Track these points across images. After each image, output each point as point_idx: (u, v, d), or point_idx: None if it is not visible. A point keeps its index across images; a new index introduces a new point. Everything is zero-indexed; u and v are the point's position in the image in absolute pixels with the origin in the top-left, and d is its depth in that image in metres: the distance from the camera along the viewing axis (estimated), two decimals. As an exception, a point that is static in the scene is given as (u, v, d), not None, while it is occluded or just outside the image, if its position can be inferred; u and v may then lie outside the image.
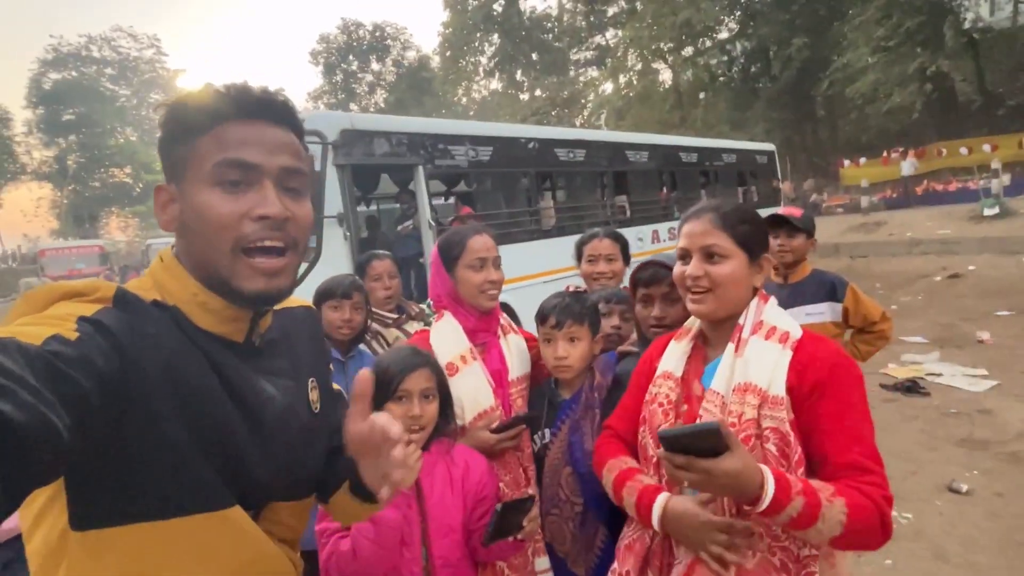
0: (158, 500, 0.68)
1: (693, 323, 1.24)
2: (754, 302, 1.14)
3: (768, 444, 1.01)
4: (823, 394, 1.03)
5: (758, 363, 1.06)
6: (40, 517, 0.69)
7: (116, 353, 0.62)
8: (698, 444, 0.90)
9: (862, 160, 20.15)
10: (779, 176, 12.25)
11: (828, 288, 2.40)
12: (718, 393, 1.09)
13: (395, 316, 2.45)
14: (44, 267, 19.90)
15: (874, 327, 2.42)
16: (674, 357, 1.22)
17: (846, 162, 20.32)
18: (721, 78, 25.94)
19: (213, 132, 0.71)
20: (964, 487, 3.23)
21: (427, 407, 1.31)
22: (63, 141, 34.97)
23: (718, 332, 1.18)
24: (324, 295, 1.99)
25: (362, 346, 2.15)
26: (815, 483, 0.96)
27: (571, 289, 2.19)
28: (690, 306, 1.15)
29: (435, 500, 1.29)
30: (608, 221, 7.80)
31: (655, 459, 1.15)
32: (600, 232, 2.15)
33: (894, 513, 2.95)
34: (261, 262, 0.73)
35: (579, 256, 2.17)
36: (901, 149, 18.79)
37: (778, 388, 1.04)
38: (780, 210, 2.48)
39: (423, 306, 3.02)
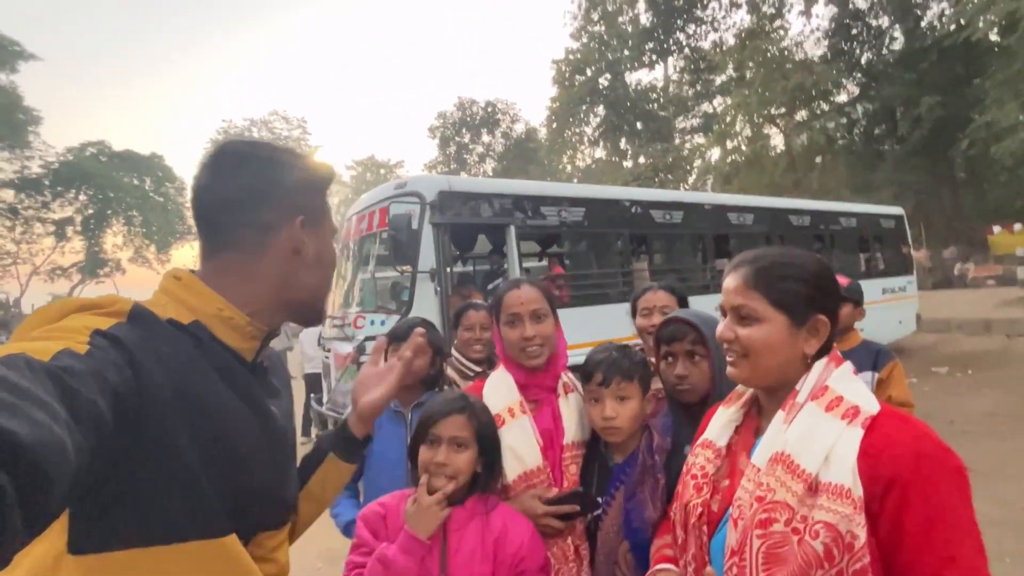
0: (161, 525, 0.67)
1: (746, 388, 1.08)
2: (819, 364, 0.95)
3: (815, 541, 0.80)
4: (906, 497, 0.80)
5: (806, 437, 0.87)
6: (33, 541, 0.66)
7: (130, 369, 0.62)
8: None
9: (1017, 226, 17.69)
10: (909, 242, 11.04)
11: (873, 358, 2.34)
12: (756, 467, 0.91)
13: (478, 370, 2.37)
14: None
15: None
16: (718, 425, 1.06)
17: (996, 228, 17.94)
18: (840, 141, 24.50)
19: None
20: None
21: (455, 456, 1.24)
22: (222, 208, 40.72)
23: (771, 399, 1.00)
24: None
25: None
26: None
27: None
28: (728, 370, 1.01)
29: (461, 560, 1.19)
30: (708, 285, 7.42)
31: (680, 540, 1.01)
32: (655, 285, 2.03)
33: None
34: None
35: (634, 311, 2.05)
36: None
37: (841, 475, 0.82)
38: None
39: None
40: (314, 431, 6.70)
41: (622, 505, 1.35)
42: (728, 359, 1.01)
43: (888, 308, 9.50)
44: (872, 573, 0.79)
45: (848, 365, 0.97)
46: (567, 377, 1.54)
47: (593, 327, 5.50)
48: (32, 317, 0.65)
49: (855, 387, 0.93)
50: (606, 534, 1.35)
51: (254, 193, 0.80)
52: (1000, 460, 4.76)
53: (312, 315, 0.90)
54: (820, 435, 0.86)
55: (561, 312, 1.57)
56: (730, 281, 1.01)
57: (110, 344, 0.61)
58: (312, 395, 6.81)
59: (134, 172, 28.82)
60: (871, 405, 0.89)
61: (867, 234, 10.15)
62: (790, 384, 0.96)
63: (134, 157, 28.45)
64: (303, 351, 7.57)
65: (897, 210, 11.21)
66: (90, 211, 27.12)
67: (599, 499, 1.39)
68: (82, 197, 26.84)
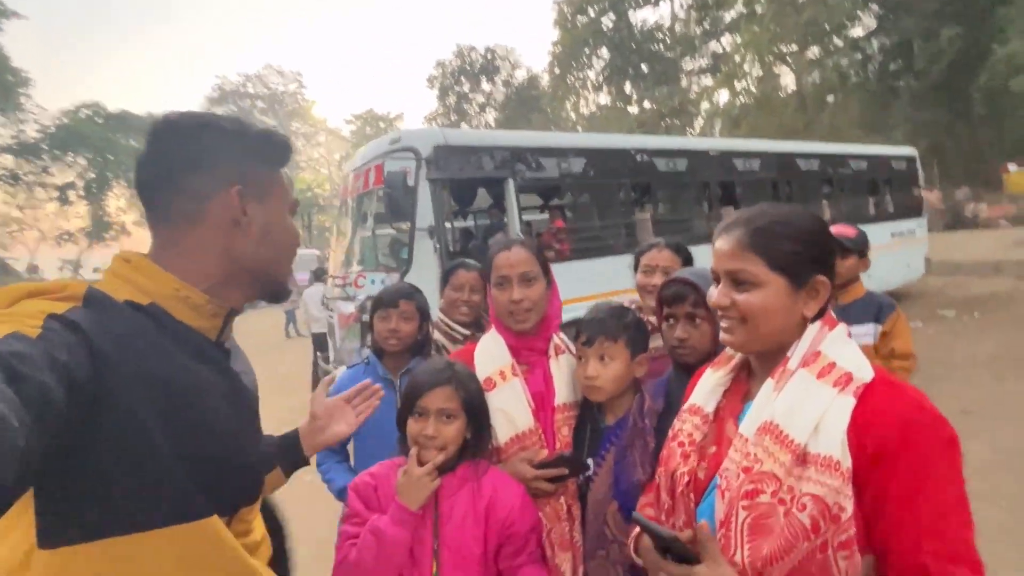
0: (135, 511, 0.66)
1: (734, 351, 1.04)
2: (812, 327, 0.91)
3: (801, 513, 0.78)
4: (893, 467, 0.78)
5: (795, 405, 0.84)
6: (0, 537, 0.66)
7: (87, 353, 0.60)
8: (669, 544, 0.84)
9: (1034, 164, 17.24)
10: (921, 184, 10.76)
11: (876, 309, 2.32)
12: (744, 437, 0.88)
13: (466, 333, 2.29)
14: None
15: (894, 361, 2.27)
16: (705, 389, 1.03)
17: (1012, 167, 17.46)
18: (854, 78, 23.56)
19: (282, 170, 0.87)
20: None
21: (444, 427, 1.23)
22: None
23: (764, 363, 0.96)
24: (374, 305, 1.94)
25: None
26: None
27: (627, 304, 2.02)
28: (721, 336, 0.97)
29: (453, 526, 1.20)
30: (712, 234, 7.32)
31: (667, 505, 0.99)
32: (661, 242, 1.98)
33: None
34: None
35: (636, 266, 2.01)
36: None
37: (830, 446, 0.80)
38: (831, 229, 2.31)
39: None
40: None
41: (612, 467, 1.35)
42: (723, 325, 0.96)
43: (897, 252, 9.37)
44: (856, 544, 0.78)
45: (842, 328, 0.93)
46: (558, 339, 1.52)
47: (595, 280, 5.46)
48: None
49: (848, 351, 0.89)
50: (596, 495, 1.36)
51: (184, 160, 0.78)
52: (1000, 403, 4.78)
53: (273, 291, 0.88)
54: (810, 404, 0.83)
55: (563, 266, 1.54)
56: (723, 243, 0.95)
57: (64, 328, 0.60)
58: (319, 353, 6.92)
59: (131, 134, 28.45)
60: (864, 371, 0.85)
61: (878, 176, 9.89)
62: (784, 348, 0.92)
63: (130, 118, 28.02)
64: (308, 311, 7.64)
65: (909, 151, 10.88)
66: (91, 175, 26.99)
67: (589, 460, 1.39)
68: (81, 161, 26.65)
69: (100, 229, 27.93)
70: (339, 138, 49.90)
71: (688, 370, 1.41)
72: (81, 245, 27.96)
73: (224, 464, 0.74)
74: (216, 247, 0.80)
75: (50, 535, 0.64)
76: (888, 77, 22.69)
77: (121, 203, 32.72)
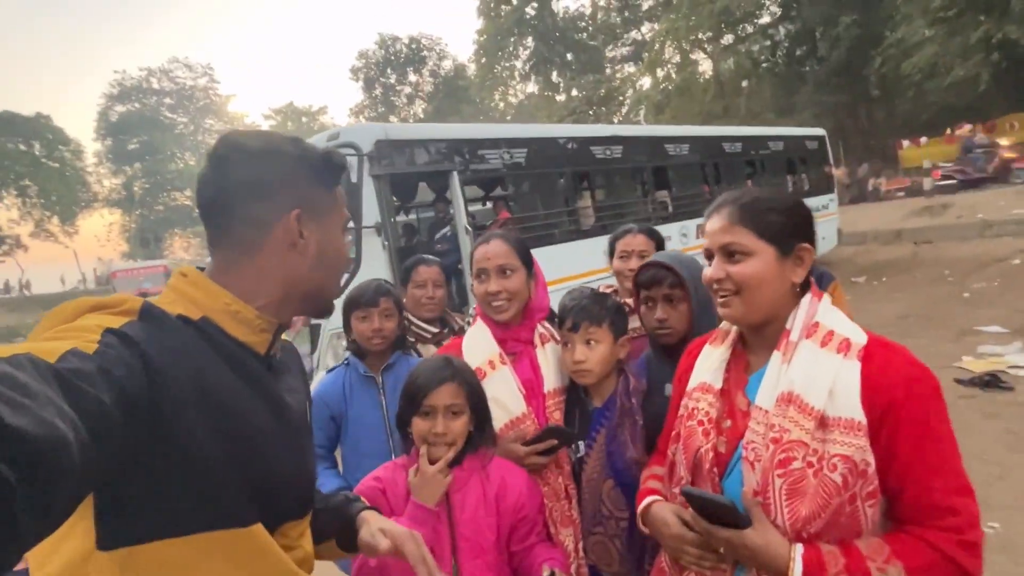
0: (188, 516, 0.69)
1: (731, 325, 1.11)
2: (805, 300, 0.99)
3: (833, 473, 0.86)
4: (899, 418, 0.87)
5: (810, 375, 0.92)
6: (60, 541, 0.69)
7: (141, 365, 0.63)
8: (720, 512, 0.90)
9: (923, 140, 18.96)
10: (831, 162, 11.63)
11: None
12: (763, 410, 0.95)
13: (435, 331, 2.29)
14: (116, 288, 21.23)
15: None
16: (711, 366, 1.09)
17: (905, 143, 19.16)
18: (764, 64, 24.97)
19: (338, 189, 0.87)
20: (1059, 492, 2.92)
21: (452, 423, 1.25)
22: (129, 169, 37.25)
23: (760, 336, 1.03)
24: (350, 305, 1.88)
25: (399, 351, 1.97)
26: (866, 547, 0.85)
27: (603, 290, 2.10)
28: (719, 311, 1.04)
29: (466, 517, 1.23)
30: (649, 217, 7.61)
31: (685, 480, 1.05)
32: (635, 228, 2.06)
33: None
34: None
35: (611, 252, 2.08)
36: (968, 125, 17.57)
37: (850, 409, 0.88)
38: None
39: (467, 320, 2.85)
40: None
41: (604, 447, 1.41)
42: (719, 300, 1.02)
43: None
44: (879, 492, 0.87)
45: (827, 297, 1.02)
46: (543, 327, 1.56)
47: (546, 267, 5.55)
48: (47, 318, 0.65)
49: (840, 318, 0.98)
50: (589, 475, 1.42)
51: (245, 187, 0.78)
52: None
53: (320, 309, 0.89)
54: (822, 372, 0.91)
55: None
56: (714, 222, 1.02)
57: (120, 341, 0.62)
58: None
59: (18, 136, 25.85)
60: (859, 335, 0.94)
61: (793, 156, 10.59)
62: (778, 319, 0.99)
63: (16, 119, 25.44)
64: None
65: (820, 131, 11.71)
66: (-26, 183, 24.31)
67: (581, 442, 1.45)
68: (-38, 168, 23.96)
69: (-9, 243, 25.23)
70: (259, 135, 47.19)
71: (667, 350, 1.49)
72: (-31, 262, 25.16)
73: (267, 477, 0.76)
74: (274, 272, 0.81)
75: (108, 538, 0.67)
76: (795, 62, 24.22)
77: (13, 214, 29.70)
